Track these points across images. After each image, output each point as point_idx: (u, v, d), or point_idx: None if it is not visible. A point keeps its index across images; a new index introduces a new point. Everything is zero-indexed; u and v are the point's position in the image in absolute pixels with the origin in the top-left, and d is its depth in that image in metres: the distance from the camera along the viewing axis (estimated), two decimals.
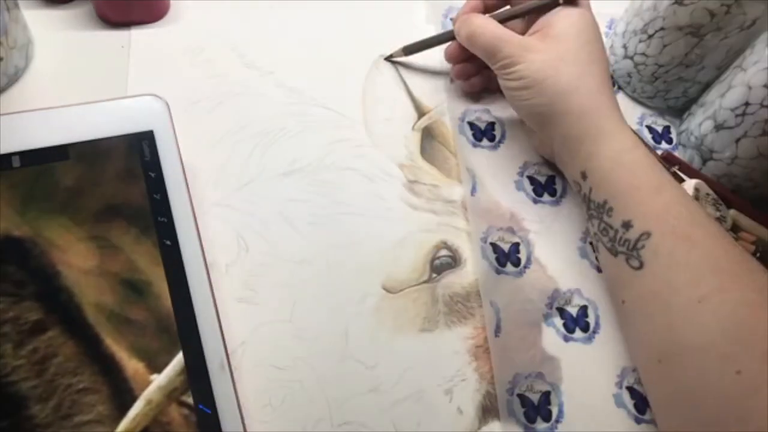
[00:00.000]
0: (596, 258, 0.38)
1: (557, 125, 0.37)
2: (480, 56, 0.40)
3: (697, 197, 0.42)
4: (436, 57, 0.46)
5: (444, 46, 0.44)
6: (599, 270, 0.39)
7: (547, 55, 0.36)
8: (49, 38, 0.41)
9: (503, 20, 0.40)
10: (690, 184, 0.42)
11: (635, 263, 0.32)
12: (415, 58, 0.46)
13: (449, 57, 0.43)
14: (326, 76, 0.44)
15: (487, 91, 0.45)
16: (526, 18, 0.40)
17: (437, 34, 0.44)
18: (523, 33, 0.39)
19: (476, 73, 0.43)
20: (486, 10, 0.42)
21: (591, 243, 0.40)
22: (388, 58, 0.45)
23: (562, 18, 0.37)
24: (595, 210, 0.35)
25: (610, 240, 0.34)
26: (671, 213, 0.32)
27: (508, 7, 0.41)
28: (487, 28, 0.39)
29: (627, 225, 0.32)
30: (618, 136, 0.35)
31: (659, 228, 0.31)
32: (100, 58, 0.41)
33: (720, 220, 0.41)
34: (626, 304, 0.33)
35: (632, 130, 0.36)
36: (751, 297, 0.29)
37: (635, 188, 0.33)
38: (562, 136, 0.37)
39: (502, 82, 0.39)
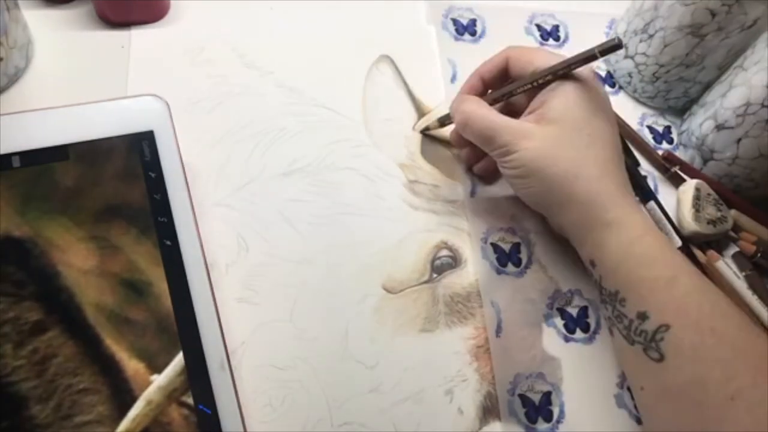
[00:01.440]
0: (609, 330, 0.35)
1: (562, 213, 0.35)
2: (476, 143, 0.37)
3: (698, 197, 0.42)
4: (436, 60, 0.46)
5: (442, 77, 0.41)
6: None
7: (542, 142, 0.34)
8: (49, 38, 0.41)
9: (502, 98, 0.38)
10: (691, 184, 0.42)
11: (655, 355, 0.30)
12: (416, 59, 0.46)
13: (454, 142, 0.41)
14: (326, 76, 0.44)
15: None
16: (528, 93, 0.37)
17: None
18: (526, 105, 0.37)
19: (482, 157, 0.40)
20: (485, 87, 0.39)
21: None
22: (424, 131, 0.43)
23: (558, 96, 0.34)
24: (608, 297, 0.33)
25: (626, 328, 0.32)
26: (690, 304, 0.30)
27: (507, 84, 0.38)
28: (478, 114, 0.36)
29: (642, 316, 0.31)
30: (625, 226, 0.33)
31: (679, 321, 0.30)
32: (100, 58, 0.41)
33: (721, 219, 0.41)
34: (646, 392, 0.32)
35: (641, 212, 0.34)
36: None
37: (648, 279, 0.31)
38: (568, 223, 0.35)
39: (500, 169, 0.36)
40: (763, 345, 0.29)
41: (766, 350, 0.29)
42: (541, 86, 0.36)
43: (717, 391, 0.28)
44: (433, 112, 0.44)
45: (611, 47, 0.33)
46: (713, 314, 0.30)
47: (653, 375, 0.31)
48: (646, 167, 0.45)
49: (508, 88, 0.37)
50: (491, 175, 0.41)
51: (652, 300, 0.31)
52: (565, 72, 0.35)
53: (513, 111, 0.38)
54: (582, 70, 0.35)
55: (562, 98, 0.34)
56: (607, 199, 0.33)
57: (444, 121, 0.41)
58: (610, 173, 0.34)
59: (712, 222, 0.41)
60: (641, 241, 0.32)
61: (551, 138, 0.34)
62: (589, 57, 0.34)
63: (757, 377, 0.28)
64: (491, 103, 0.38)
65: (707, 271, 0.41)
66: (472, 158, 0.41)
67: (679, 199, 0.42)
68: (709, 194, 0.42)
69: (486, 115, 0.36)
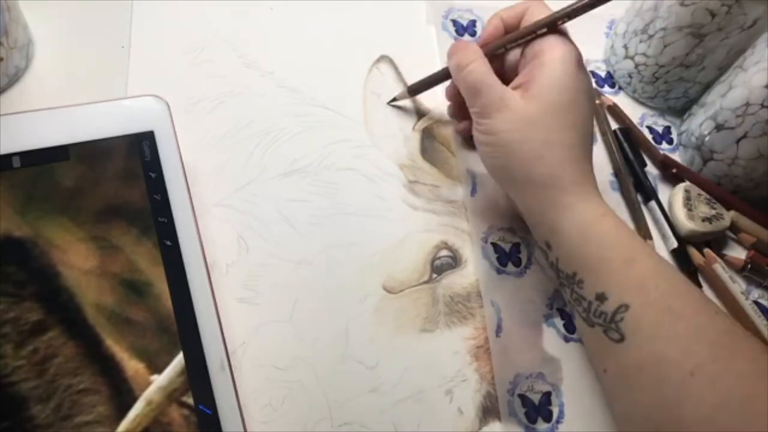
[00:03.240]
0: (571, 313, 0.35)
1: (518, 192, 0.35)
2: (462, 94, 0.36)
3: (688, 197, 0.42)
4: (436, 60, 0.46)
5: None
6: None
7: (517, 115, 0.33)
8: (49, 38, 0.41)
9: (497, 50, 0.37)
10: (680, 187, 0.43)
11: (615, 336, 0.30)
12: (416, 59, 0.46)
13: (449, 95, 0.41)
14: (327, 76, 0.44)
15: None
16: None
17: (440, 70, 0.41)
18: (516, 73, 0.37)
19: (467, 117, 0.40)
20: (506, 33, 0.38)
21: None
22: (392, 102, 0.43)
23: (545, 75, 0.34)
24: (565, 280, 0.33)
25: (585, 311, 0.32)
26: (648, 284, 0.30)
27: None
28: (473, 66, 0.35)
29: (601, 297, 0.31)
30: (582, 208, 0.33)
31: (638, 300, 0.30)
32: (100, 58, 0.41)
33: (716, 217, 0.41)
34: (609, 374, 0.32)
35: (599, 197, 0.34)
36: (746, 367, 0.28)
37: (606, 260, 0.32)
38: (525, 203, 0.35)
39: (473, 131, 0.36)
40: (721, 322, 0.30)
41: (724, 327, 0.29)
42: (535, 38, 0.35)
43: (677, 367, 0.28)
44: (432, 112, 0.44)
45: (586, 4, 0.34)
46: (671, 293, 0.30)
47: (614, 356, 0.31)
48: (647, 167, 0.45)
49: (502, 40, 0.37)
50: (462, 132, 0.42)
51: (611, 280, 0.31)
52: (561, 21, 0.35)
53: (505, 78, 0.37)
54: (573, 52, 0.34)
55: (547, 78, 0.34)
56: (568, 182, 0.33)
57: (414, 89, 0.42)
58: (575, 159, 0.34)
59: (707, 219, 0.41)
60: (599, 223, 0.32)
61: (527, 115, 0.34)
62: (563, 15, 0.34)
63: (716, 352, 0.28)
64: (488, 58, 0.36)
65: (703, 274, 0.41)
66: (458, 114, 0.42)
67: (670, 203, 0.43)
68: (699, 194, 0.42)
69: (479, 68, 0.35)
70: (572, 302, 0.33)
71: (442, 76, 0.41)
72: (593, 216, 0.33)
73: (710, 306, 0.30)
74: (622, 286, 0.31)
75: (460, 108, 0.40)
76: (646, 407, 0.29)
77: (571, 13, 0.34)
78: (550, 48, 0.34)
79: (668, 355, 0.29)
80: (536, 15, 0.36)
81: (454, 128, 0.43)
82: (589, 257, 0.32)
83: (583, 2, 0.34)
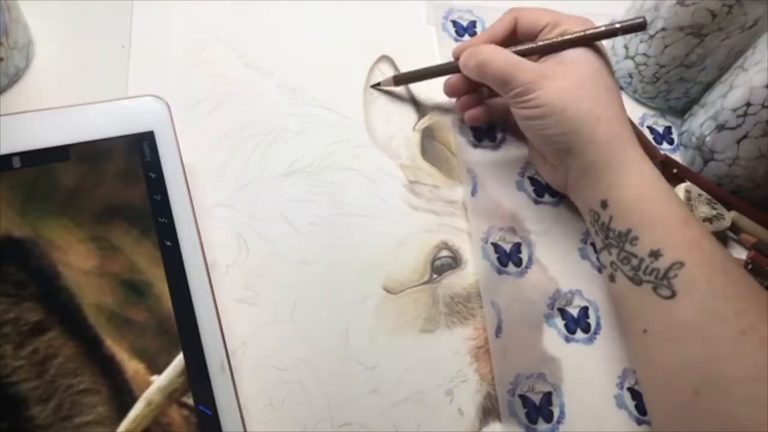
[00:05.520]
0: (608, 276, 0.36)
1: (578, 154, 0.35)
2: (492, 85, 0.38)
3: (689, 198, 0.42)
4: (437, 60, 0.46)
5: (442, 78, 0.42)
6: (600, 271, 0.39)
7: (565, 81, 0.35)
8: (49, 38, 0.41)
9: (530, 53, 0.38)
10: (680, 188, 0.42)
11: (666, 292, 0.31)
12: (416, 59, 0.46)
13: (449, 90, 0.42)
14: (327, 77, 0.44)
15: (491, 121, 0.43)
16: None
17: (433, 66, 0.42)
18: None
19: (476, 105, 0.42)
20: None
21: (592, 244, 0.40)
22: (375, 86, 0.44)
23: (575, 51, 0.36)
24: (615, 239, 0.34)
25: (633, 269, 0.33)
26: (703, 244, 0.31)
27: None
28: (499, 55, 0.37)
29: (656, 254, 0.32)
30: (642, 167, 0.34)
31: (693, 258, 0.31)
32: (100, 58, 0.41)
33: (716, 218, 0.41)
34: (649, 333, 0.32)
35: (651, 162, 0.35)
36: None
37: (663, 218, 0.32)
38: (583, 165, 0.35)
39: (516, 111, 0.37)
40: (765, 293, 0.31)
41: None
42: (555, 50, 0.37)
43: (728, 324, 0.29)
44: (432, 113, 0.44)
45: (635, 26, 0.34)
46: (723, 256, 0.31)
47: (661, 313, 0.31)
48: None
49: (530, 47, 0.37)
50: (478, 120, 0.42)
51: (667, 238, 0.32)
52: (585, 42, 0.36)
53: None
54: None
55: (577, 51, 0.36)
56: (627, 139, 0.35)
57: (400, 79, 0.43)
58: (626, 118, 0.36)
59: (708, 220, 0.41)
60: (656, 184, 0.34)
61: (574, 78, 0.35)
62: (610, 32, 0.35)
63: (766, 317, 0.29)
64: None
65: None
66: (467, 105, 0.42)
67: None
68: (700, 194, 0.42)
69: (499, 55, 0.37)
70: (617, 263, 0.34)
71: (439, 71, 0.41)
72: (652, 175, 0.34)
73: (755, 280, 0.32)
74: (677, 243, 0.31)
75: (467, 99, 0.42)
76: (684, 364, 0.30)
77: (599, 37, 0.35)
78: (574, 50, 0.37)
79: (721, 312, 0.29)
80: (561, 25, 0.37)
81: (463, 120, 0.43)
82: (646, 213, 0.33)
83: (613, 29, 0.34)
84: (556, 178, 0.39)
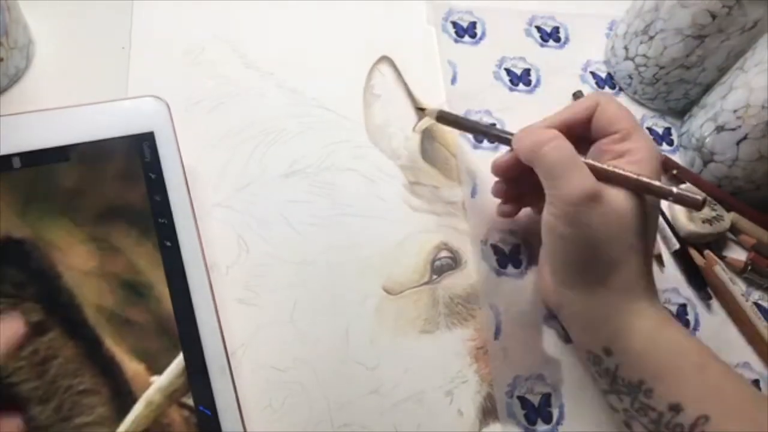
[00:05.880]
0: (623, 422, 0.33)
1: (583, 293, 0.32)
2: (540, 173, 0.32)
3: None
4: (436, 59, 0.46)
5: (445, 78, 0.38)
6: None
7: (613, 211, 0.30)
8: (49, 39, 0.41)
9: (612, 178, 0.32)
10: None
11: None
12: (416, 60, 0.46)
13: (497, 169, 0.37)
14: (327, 77, 0.44)
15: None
16: None
17: (483, 124, 0.39)
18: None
19: (514, 199, 0.38)
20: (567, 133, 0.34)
21: None
22: (419, 115, 0.41)
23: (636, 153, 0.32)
24: (626, 388, 0.31)
25: (653, 422, 0.30)
26: (725, 392, 0.29)
27: None
28: (559, 141, 0.32)
29: (676, 408, 0.29)
30: (650, 313, 0.31)
31: (717, 410, 0.29)
32: (100, 58, 0.41)
33: (717, 218, 0.41)
34: None
35: (660, 301, 0.33)
36: None
37: (678, 368, 0.30)
38: (586, 305, 0.32)
39: (548, 214, 0.32)
40: None
41: None
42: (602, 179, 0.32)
43: None
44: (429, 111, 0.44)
45: (689, 202, 0.31)
46: (748, 401, 0.29)
47: None
48: None
49: (590, 163, 0.32)
50: (507, 215, 0.39)
51: (686, 390, 0.29)
52: (639, 190, 0.32)
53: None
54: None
55: (625, 192, 0.31)
56: (642, 290, 0.32)
57: (444, 118, 0.39)
58: (650, 266, 0.32)
59: (707, 221, 0.41)
60: (667, 329, 0.31)
61: (623, 213, 0.31)
62: (664, 194, 0.31)
63: None
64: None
65: (705, 274, 0.41)
66: (505, 195, 0.38)
67: (670, 204, 0.42)
68: None
69: (565, 145, 0.32)
70: (632, 412, 0.31)
71: (482, 131, 0.38)
72: (661, 321, 0.31)
73: None
74: (698, 395, 0.29)
75: (509, 188, 0.38)
76: None
77: (654, 193, 0.32)
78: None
79: None
80: (627, 142, 0.33)
81: (497, 211, 0.39)
82: (658, 364, 0.30)
83: (668, 193, 0.31)
84: (551, 298, 0.35)
